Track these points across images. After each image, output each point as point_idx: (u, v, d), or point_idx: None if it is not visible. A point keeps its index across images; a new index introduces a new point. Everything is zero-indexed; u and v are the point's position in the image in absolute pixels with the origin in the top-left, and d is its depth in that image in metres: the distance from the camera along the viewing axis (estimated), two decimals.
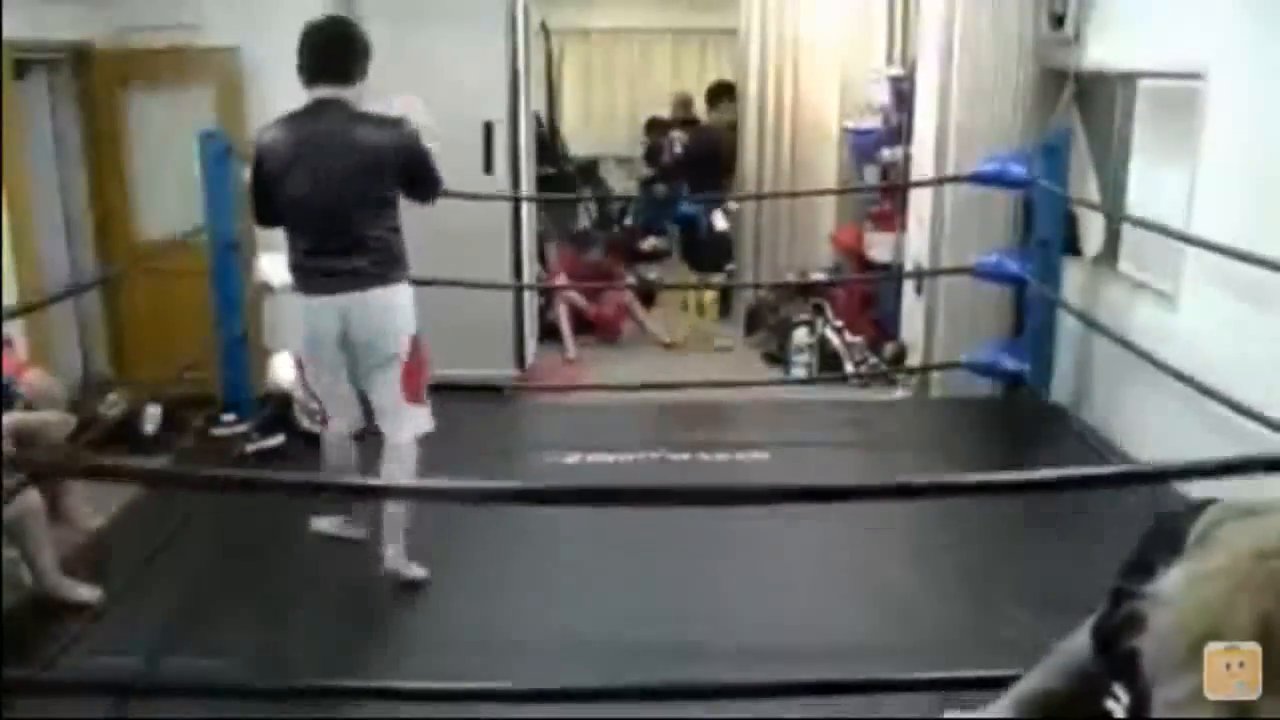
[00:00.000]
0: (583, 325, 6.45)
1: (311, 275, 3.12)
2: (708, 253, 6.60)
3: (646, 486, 3.20)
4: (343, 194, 3.04)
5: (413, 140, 3.15)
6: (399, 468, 3.20)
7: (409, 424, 3.23)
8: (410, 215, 4.55)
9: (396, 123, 3.13)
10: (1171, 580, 0.79)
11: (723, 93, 6.77)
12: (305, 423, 3.58)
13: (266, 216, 3.22)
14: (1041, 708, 1.08)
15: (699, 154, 6.88)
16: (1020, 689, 1.12)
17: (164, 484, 3.65)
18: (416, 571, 3.22)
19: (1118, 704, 0.87)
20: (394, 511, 3.19)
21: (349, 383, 3.26)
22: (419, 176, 3.20)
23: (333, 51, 3.10)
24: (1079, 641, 1.03)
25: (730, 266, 6.76)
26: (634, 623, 3.03)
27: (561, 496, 2.85)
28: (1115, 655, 0.90)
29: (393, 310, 3.15)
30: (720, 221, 6.50)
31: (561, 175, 7.87)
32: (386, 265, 3.13)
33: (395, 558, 3.19)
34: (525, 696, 2.46)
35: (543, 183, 6.86)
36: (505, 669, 2.78)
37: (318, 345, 3.18)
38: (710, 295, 6.64)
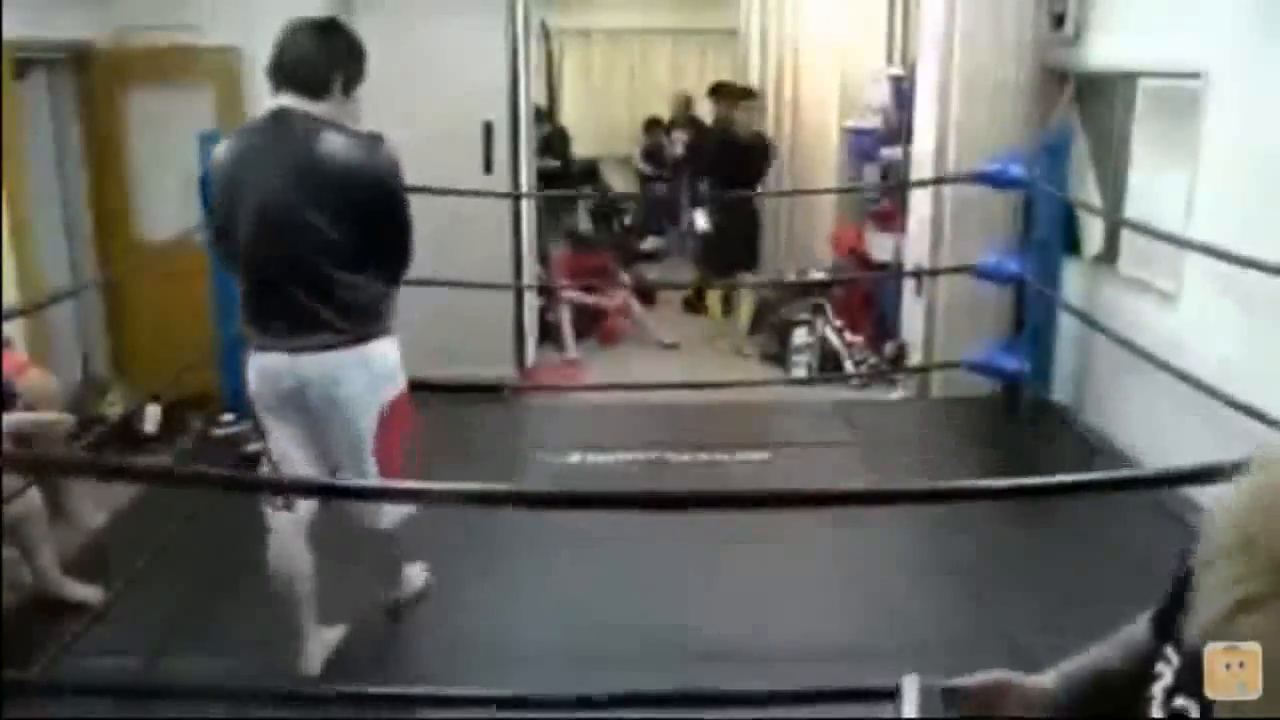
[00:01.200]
0: (583, 325, 6.45)
1: (261, 325, 2.55)
2: (708, 251, 6.47)
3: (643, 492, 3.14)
4: (295, 223, 2.43)
5: (389, 170, 2.53)
6: (388, 559, 2.84)
7: (393, 506, 2.72)
8: None
9: (375, 140, 2.53)
10: (1222, 497, 0.83)
11: (744, 94, 6.44)
12: (266, 508, 2.67)
13: (223, 253, 2.64)
14: (1092, 683, 1.06)
15: (702, 154, 6.81)
16: (1071, 662, 1.10)
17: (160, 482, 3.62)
18: (416, 583, 3.01)
19: (1168, 665, 0.87)
20: (388, 564, 2.90)
21: (312, 454, 2.63)
22: (384, 224, 2.52)
23: (302, 54, 2.52)
24: (1139, 625, 1.03)
25: (744, 275, 6.45)
26: (629, 626, 3.03)
27: (552, 500, 2.82)
28: (1173, 593, 0.91)
29: (362, 376, 2.54)
30: (701, 221, 6.29)
31: (565, 174, 7.82)
32: (357, 319, 2.52)
33: (398, 592, 2.97)
34: (520, 703, 2.46)
35: (548, 181, 6.90)
36: (502, 674, 2.79)
37: (271, 411, 2.59)
38: (737, 300, 6.47)
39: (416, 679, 2.76)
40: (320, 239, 2.44)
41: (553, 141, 7.50)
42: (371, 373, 2.55)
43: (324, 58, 2.53)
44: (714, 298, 6.63)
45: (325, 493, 2.74)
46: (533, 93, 6.02)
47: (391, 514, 2.71)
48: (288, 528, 2.64)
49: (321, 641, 2.78)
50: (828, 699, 2.37)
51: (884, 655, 2.88)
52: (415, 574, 3.08)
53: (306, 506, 2.65)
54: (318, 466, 2.63)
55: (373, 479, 2.58)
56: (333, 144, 2.46)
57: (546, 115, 8.27)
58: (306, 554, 2.67)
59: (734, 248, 6.25)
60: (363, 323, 2.53)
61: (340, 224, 2.45)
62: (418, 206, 3.64)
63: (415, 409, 2.71)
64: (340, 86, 2.54)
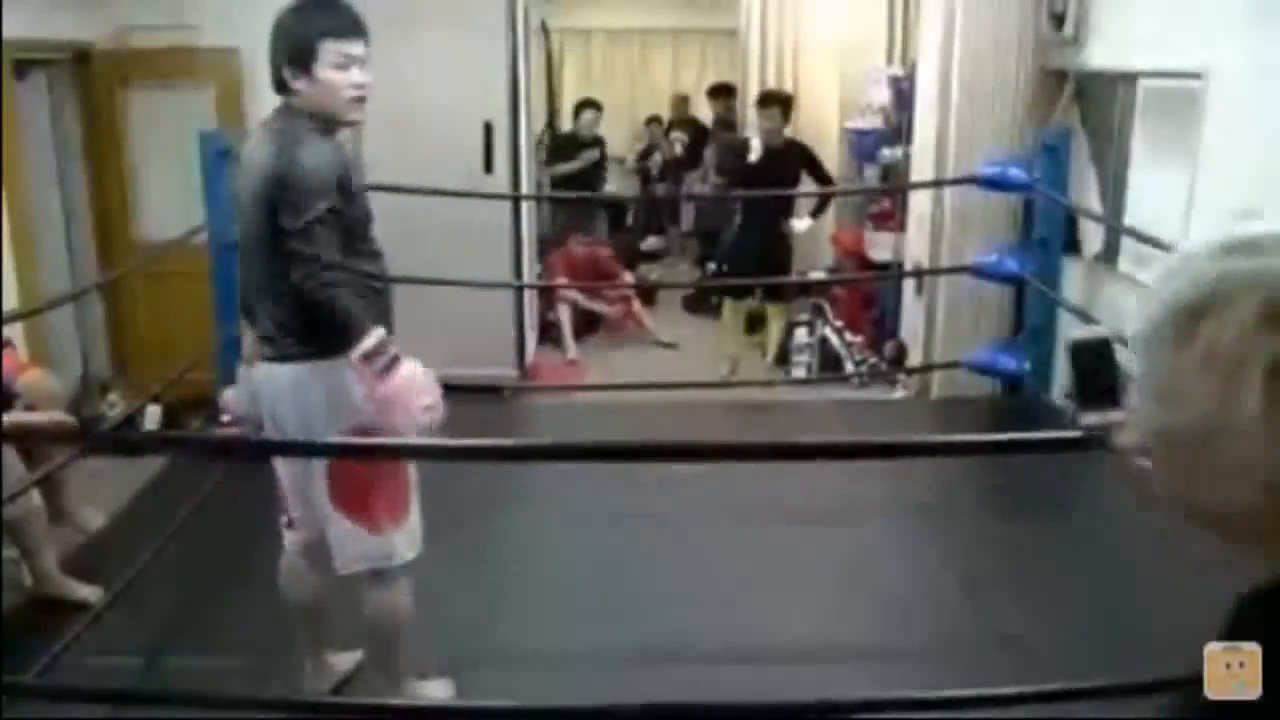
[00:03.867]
0: (584, 325, 6.45)
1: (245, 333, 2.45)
2: (731, 253, 6.06)
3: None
4: (245, 227, 2.29)
5: (289, 164, 2.17)
6: (372, 616, 2.44)
7: (349, 551, 2.35)
8: (408, 211, 4.60)
9: (294, 138, 2.21)
10: None
11: (770, 100, 5.84)
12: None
13: None
14: None
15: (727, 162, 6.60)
16: None
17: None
18: (436, 692, 2.62)
19: None
20: (379, 641, 2.51)
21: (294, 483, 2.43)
22: (280, 216, 2.17)
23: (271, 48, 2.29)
24: None
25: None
26: (630, 627, 3.03)
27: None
28: None
29: (302, 398, 2.27)
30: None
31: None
32: (297, 335, 2.26)
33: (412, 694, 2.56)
34: (521, 715, 2.46)
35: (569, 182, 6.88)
36: (500, 677, 2.79)
37: (256, 422, 2.42)
38: (774, 321, 6.03)
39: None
40: (263, 235, 2.23)
41: (568, 143, 7.35)
42: (310, 396, 2.27)
43: (271, 48, 2.28)
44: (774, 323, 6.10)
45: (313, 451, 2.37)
46: (533, 93, 6.02)
47: (354, 561, 2.36)
48: (290, 547, 2.51)
49: (329, 668, 2.68)
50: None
51: (883, 656, 2.89)
52: (432, 688, 2.63)
53: (305, 527, 2.45)
54: (300, 498, 2.42)
55: (330, 509, 2.33)
56: (279, 136, 2.23)
57: (548, 123, 8.30)
58: (308, 575, 2.51)
59: (761, 270, 5.72)
60: (300, 339, 2.26)
61: (265, 228, 2.21)
62: (417, 206, 3.55)
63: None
64: (284, 79, 2.25)
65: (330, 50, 2.22)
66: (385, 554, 2.36)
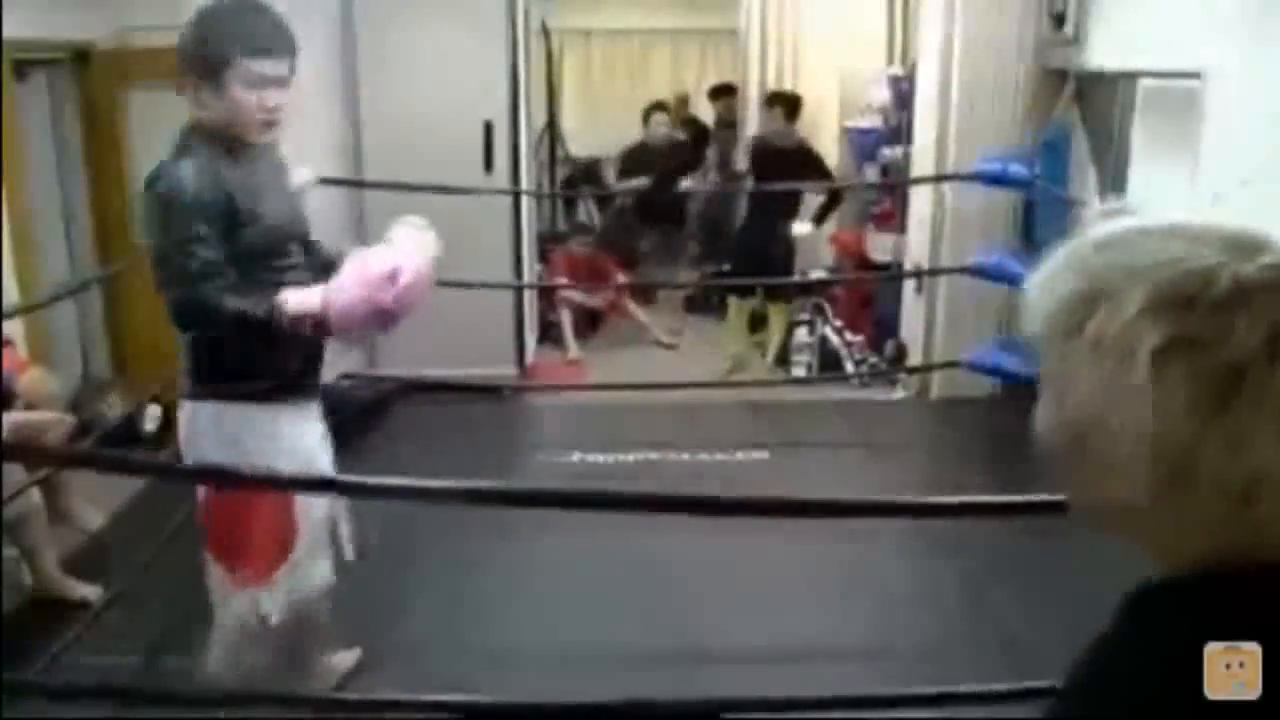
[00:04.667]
0: (585, 325, 6.45)
1: None
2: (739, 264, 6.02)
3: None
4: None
5: (149, 187, 2.03)
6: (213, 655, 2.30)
7: (221, 605, 2.25)
8: (408, 210, 4.58)
9: (170, 160, 2.05)
10: None
11: (774, 100, 5.90)
12: None
13: None
14: None
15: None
16: None
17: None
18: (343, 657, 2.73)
19: None
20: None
21: None
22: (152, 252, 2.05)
23: None
24: None
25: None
26: (631, 628, 3.03)
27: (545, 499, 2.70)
28: None
29: (190, 436, 2.17)
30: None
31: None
32: (188, 369, 2.16)
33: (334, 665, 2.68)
34: (517, 712, 2.46)
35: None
36: (499, 676, 2.79)
37: None
38: (775, 321, 5.98)
39: (410, 682, 2.76)
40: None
41: (640, 154, 7.11)
42: (193, 434, 2.16)
43: (178, 55, 2.06)
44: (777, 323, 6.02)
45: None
46: (533, 94, 6.01)
47: (223, 610, 2.25)
48: None
49: (329, 667, 2.69)
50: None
51: (883, 656, 2.89)
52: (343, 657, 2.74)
53: None
54: None
55: (206, 552, 2.23)
56: (159, 163, 2.08)
57: (548, 125, 8.28)
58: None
59: (763, 270, 5.71)
60: (189, 374, 2.16)
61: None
62: (417, 205, 3.57)
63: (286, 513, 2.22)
64: (193, 88, 2.05)
65: (244, 67, 2.00)
66: (252, 608, 2.23)
